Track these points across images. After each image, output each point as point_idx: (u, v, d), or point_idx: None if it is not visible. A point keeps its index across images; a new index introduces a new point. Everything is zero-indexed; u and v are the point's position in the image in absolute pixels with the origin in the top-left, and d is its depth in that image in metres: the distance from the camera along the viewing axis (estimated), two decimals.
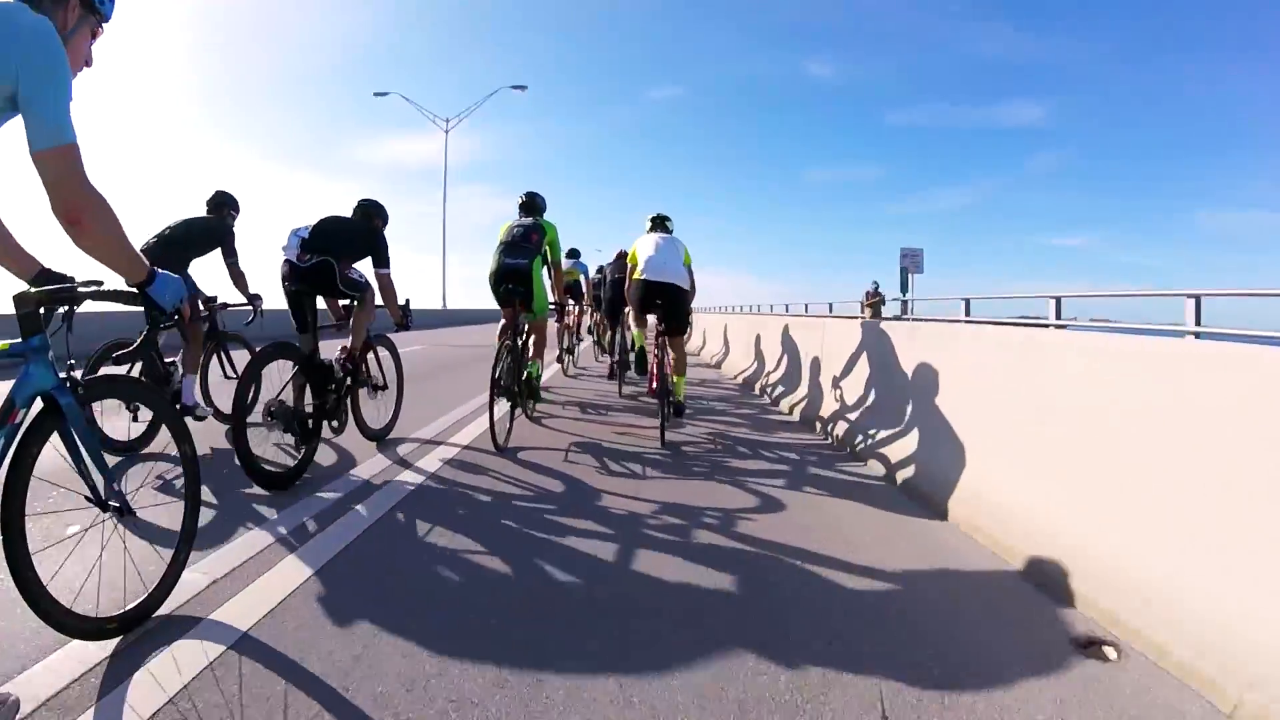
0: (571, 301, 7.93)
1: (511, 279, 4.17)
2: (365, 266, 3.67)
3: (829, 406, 4.51)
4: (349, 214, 3.69)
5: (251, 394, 3.24)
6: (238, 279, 4.21)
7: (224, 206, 4.22)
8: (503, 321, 4.28)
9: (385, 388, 4.01)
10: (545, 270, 4.51)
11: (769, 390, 6.41)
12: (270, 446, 3.10)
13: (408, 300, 3.85)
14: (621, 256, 7.39)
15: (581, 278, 8.81)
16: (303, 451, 3.05)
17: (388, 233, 3.79)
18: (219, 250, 4.04)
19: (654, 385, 4.42)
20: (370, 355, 3.90)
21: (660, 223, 4.90)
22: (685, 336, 4.59)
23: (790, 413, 5.20)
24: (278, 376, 3.11)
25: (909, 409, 3.45)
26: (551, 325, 6.39)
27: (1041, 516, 2.23)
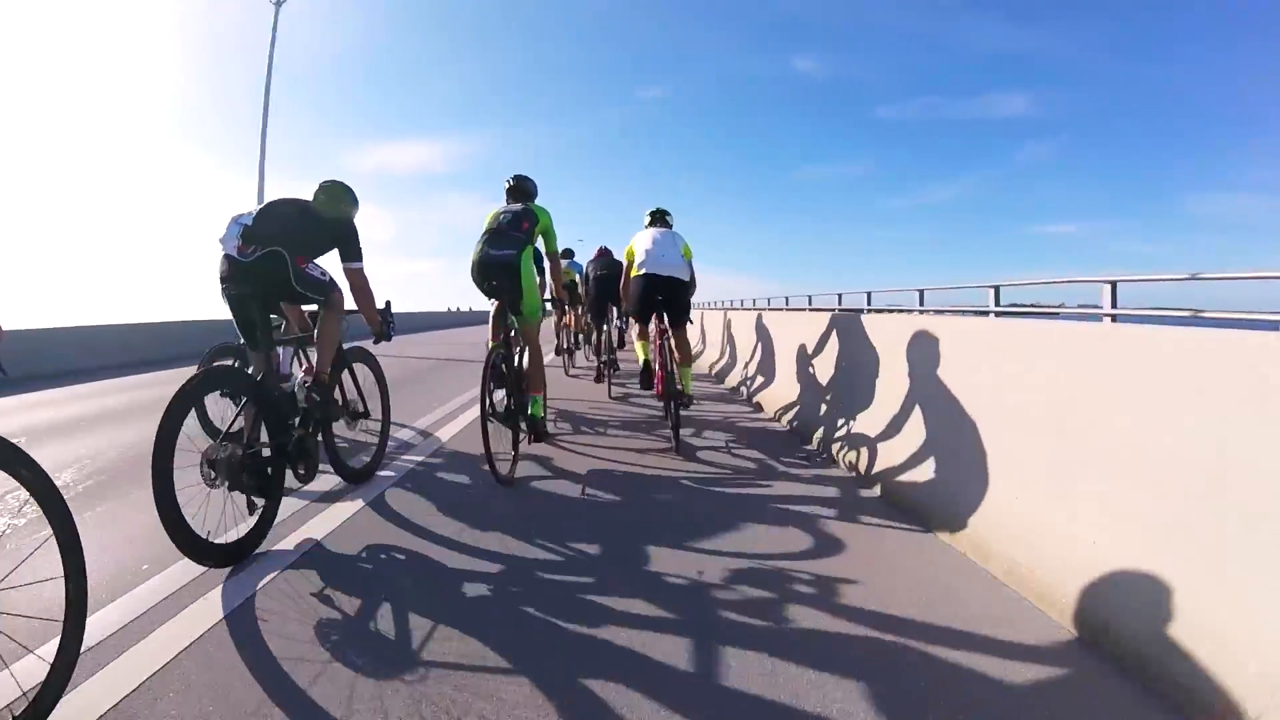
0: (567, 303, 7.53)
1: (496, 274, 3.44)
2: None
3: (813, 408, 4.19)
4: (308, 198, 2.86)
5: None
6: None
7: None
8: (491, 323, 3.50)
9: (366, 414, 3.21)
10: (541, 266, 4.02)
11: (747, 384, 6.26)
12: (214, 506, 2.21)
13: (388, 304, 3.06)
14: (603, 253, 7.21)
15: (577, 278, 8.36)
16: (257, 513, 2.24)
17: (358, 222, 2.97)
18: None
19: (660, 388, 4.07)
20: (345, 374, 3.10)
21: (660, 217, 4.65)
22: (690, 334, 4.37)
23: (777, 418, 4.91)
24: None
25: (897, 409, 3.09)
26: (548, 322, 5.64)
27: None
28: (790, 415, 4.64)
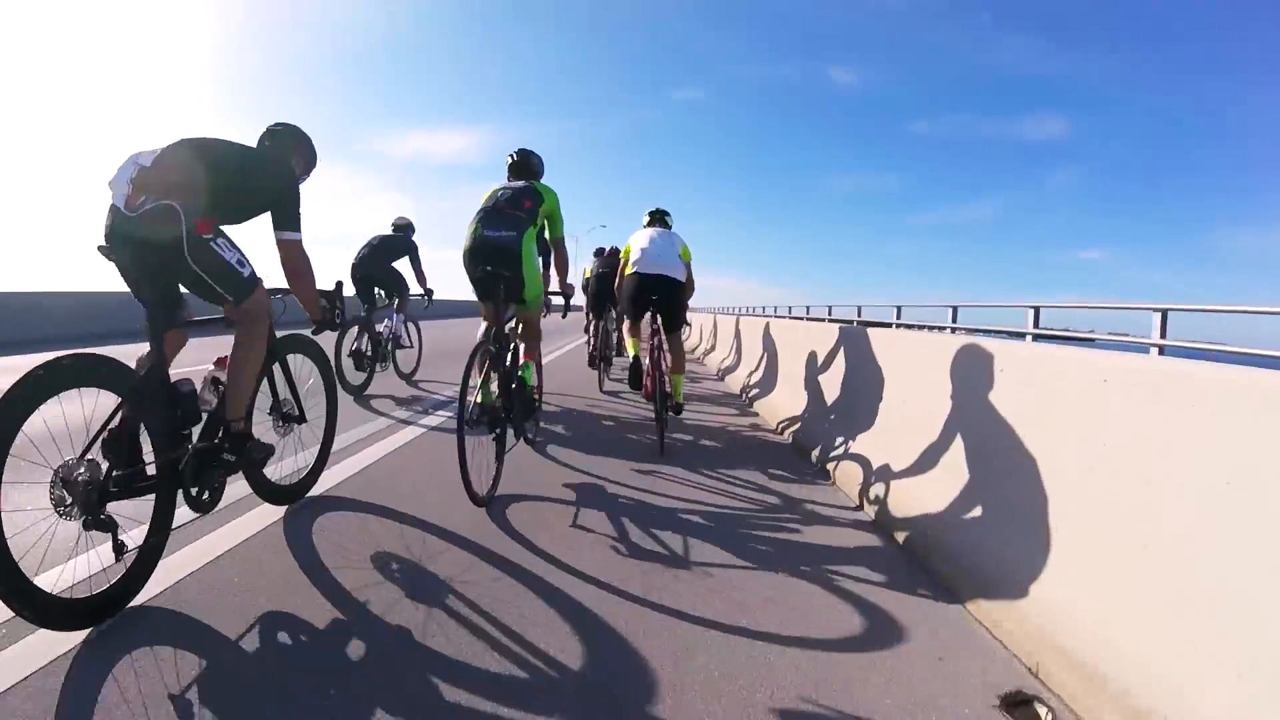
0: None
1: (493, 258, 2.79)
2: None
3: (818, 425, 3.69)
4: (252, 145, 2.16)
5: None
6: (421, 277, 5.73)
7: (406, 226, 5.78)
8: (482, 324, 2.91)
9: (301, 419, 2.40)
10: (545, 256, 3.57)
11: (748, 391, 5.96)
12: (66, 541, 1.59)
13: (340, 285, 2.37)
14: (606, 253, 7.13)
15: None
16: (129, 556, 1.58)
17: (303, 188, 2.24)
18: (406, 257, 5.63)
19: (650, 388, 3.74)
20: (275, 367, 2.32)
21: (659, 217, 4.36)
22: (685, 335, 4.07)
23: (778, 430, 4.42)
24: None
25: (929, 438, 2.54)
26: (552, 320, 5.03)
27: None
28: (793, 429, 4.14)
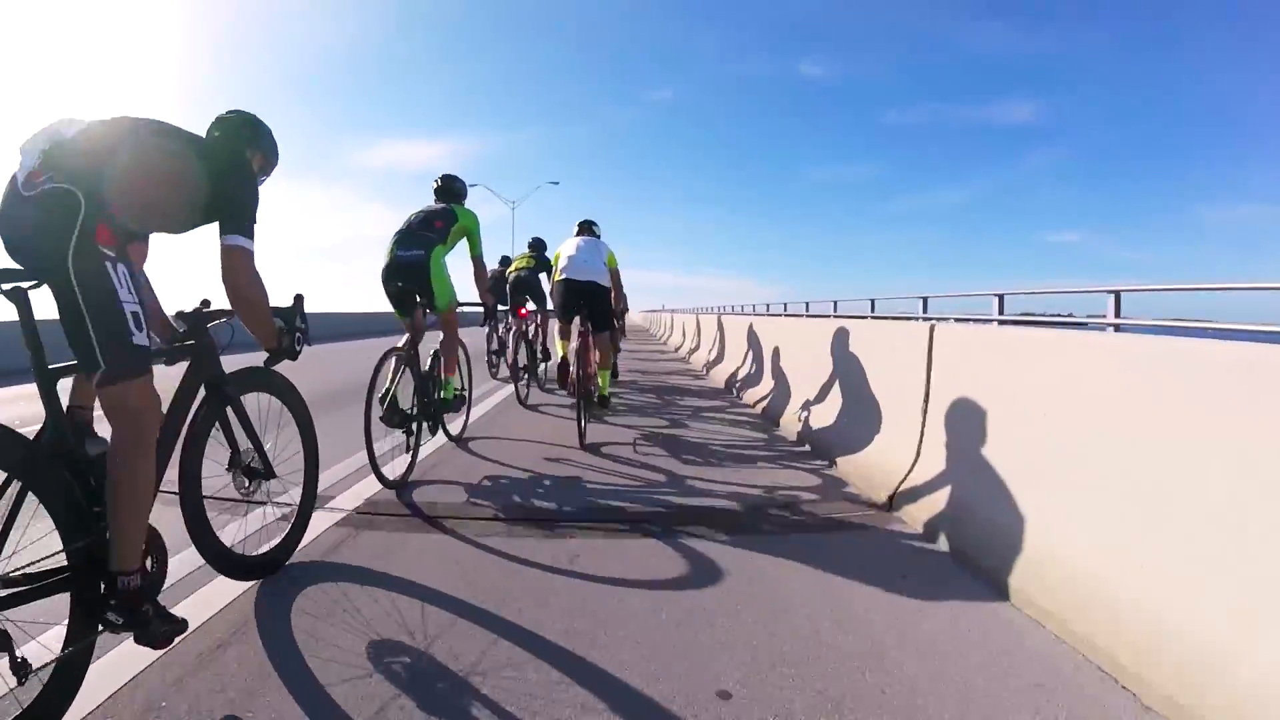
0: (534, 307, 5.92)
1: (405, 275, 3.00)
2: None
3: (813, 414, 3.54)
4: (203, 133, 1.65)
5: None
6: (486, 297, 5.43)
7: (503, 260, 6.52)
8: (405, 337, 3.03)
9: (268, 474, 1.82)
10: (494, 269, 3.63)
11: (736, 385, 5.75)
12: None
13: (300, 299, 1.79)
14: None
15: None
16: (42, 679, 1.11)
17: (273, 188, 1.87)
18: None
19: (573, 387, 3.83)
20: (230, 411, 1.73)
21: (587, 227, 4.59)
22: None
23: (793, 434, 4.30)
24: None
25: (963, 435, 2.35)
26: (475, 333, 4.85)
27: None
28: (777, 411, 4.03)
